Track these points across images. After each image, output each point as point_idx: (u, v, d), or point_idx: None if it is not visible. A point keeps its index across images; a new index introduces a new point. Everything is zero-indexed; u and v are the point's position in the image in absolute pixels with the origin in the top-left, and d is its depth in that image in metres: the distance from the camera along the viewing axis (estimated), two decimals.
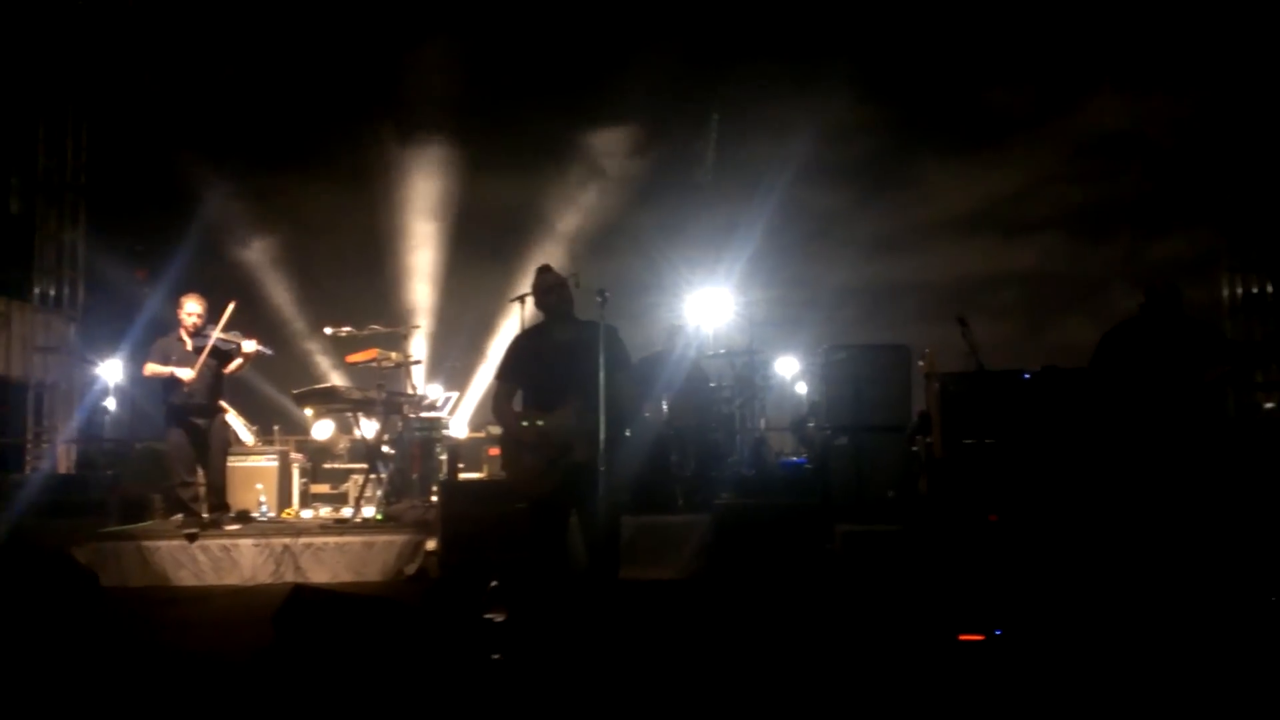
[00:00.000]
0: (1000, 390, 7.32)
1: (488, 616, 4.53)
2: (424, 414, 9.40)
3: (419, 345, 11.02)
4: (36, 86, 10.97)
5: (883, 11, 11.01)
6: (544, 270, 5.21)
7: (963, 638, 4.90)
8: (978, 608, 5.47)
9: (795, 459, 8.75)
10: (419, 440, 9.22)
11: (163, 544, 7.38)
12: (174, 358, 7.78)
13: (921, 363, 8.02)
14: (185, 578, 7.28)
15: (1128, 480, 6.16)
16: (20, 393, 10.92)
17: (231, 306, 7.84)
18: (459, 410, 10.51)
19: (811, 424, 8.72)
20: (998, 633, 4.91)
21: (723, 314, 9.60)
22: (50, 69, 10.97)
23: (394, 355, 9.11)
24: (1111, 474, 6.35)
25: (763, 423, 8.88)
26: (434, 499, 8.43)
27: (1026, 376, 7.35)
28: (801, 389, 9.30)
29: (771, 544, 6.92)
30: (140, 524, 8.27)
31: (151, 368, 7.78)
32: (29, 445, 10.90)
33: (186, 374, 7.61)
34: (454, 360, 11.18)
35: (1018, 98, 11.18)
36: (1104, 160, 11.29)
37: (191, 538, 7.40)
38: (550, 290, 5.10)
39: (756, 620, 5.90)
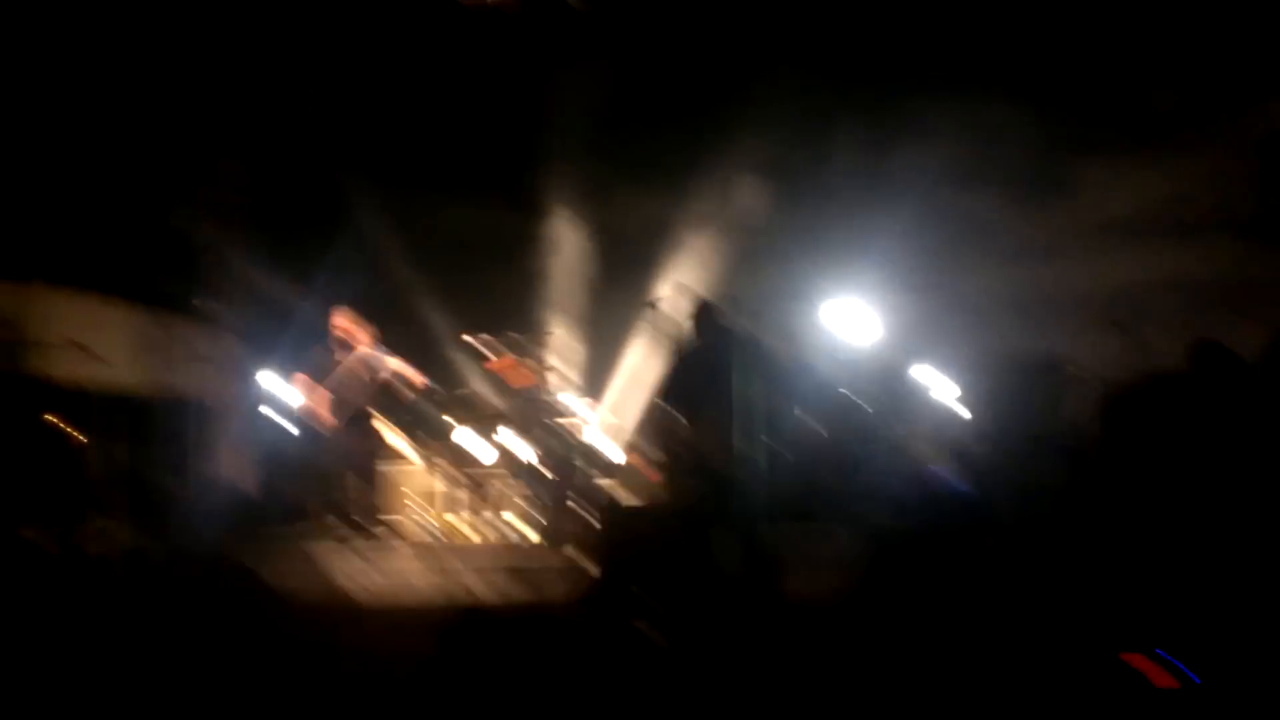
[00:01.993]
0: (1164, 400, 6.96)
1: (648, 636, 4.54)
2: (575, 430, 9.45)
3: (557, 354, 11.15)
4: (201, 109, 11.57)
5: (1035, 9, 10.61)
6: (697, 298, 5.25)
7: (1124, 657, 4.69)
8: (1141, 625, 5.22)
9: (946, 475, 8.50)
10: (569, 458, 9.29)
11: (320, 550, 7.66)
12: (326, 371, 8.08)
13: (1078, 374, 7.72)
14: (340, 584, 7.53)
15: None
16: (186, 404, 11.48)
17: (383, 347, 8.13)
18: (611, 431, 10.57)
19: (963, 438, 8.47)
20: (1159, 652, 4.67)
21: (862, 324, 9.40)
22: (214, 91, 11.56)
23: (535, 365, 9.24)
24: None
25: (911, 437, 8.66)
26: (589, 518, 8.48)
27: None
28: (950, 402, 9.02)
29: (924, 562, 6.72)
30: (298, 531, 8.61)
31: (300, 387, 8.11)
32: (195, 454, 11.44)
33: (329, 420, 7.92)
34: (593, 371, 11.32)
35: (1186, 95, 10.56)
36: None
37: (346, 544, 7.65)
38: (705, 315, 5.14)
39: (911, 640, 5.75)
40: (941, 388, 9.16)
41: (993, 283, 10.67)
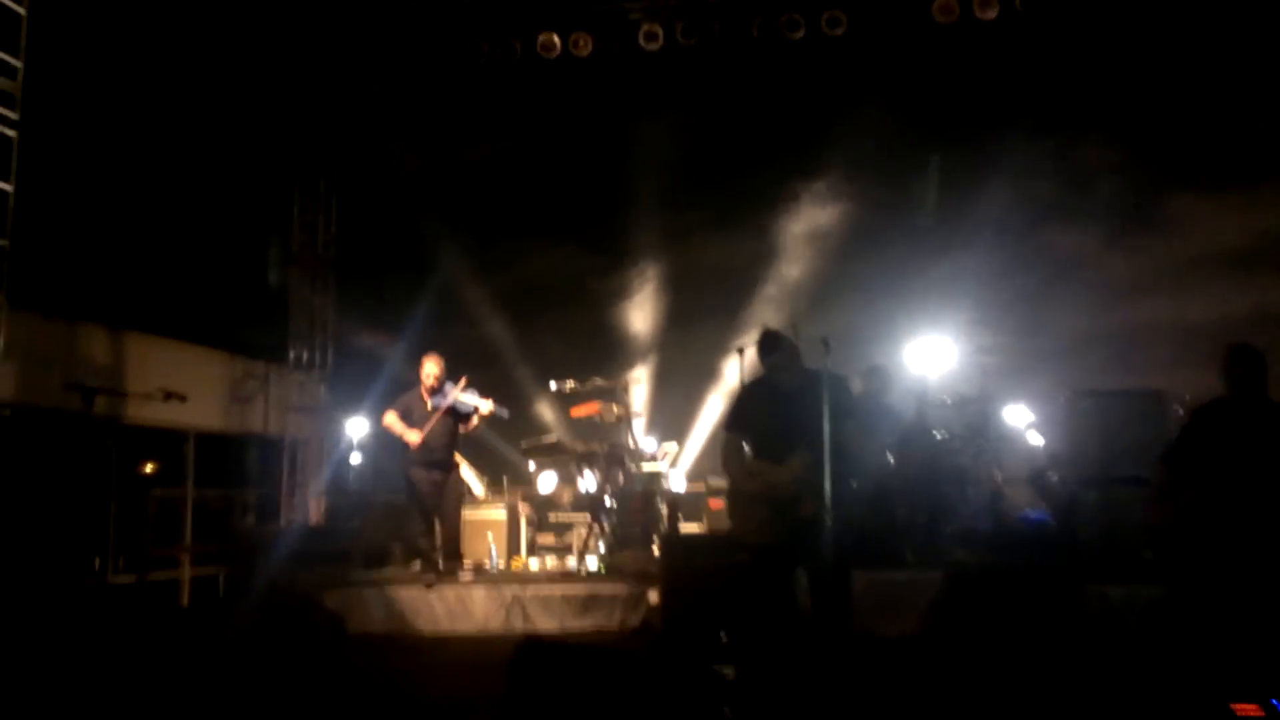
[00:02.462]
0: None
1: (717, 670, 4.43)
2: (644, 466, 9.48)
3: (639, 398, 11.15)
4: (293, 167, 12.02)
5: (1134, 48, 10.36)
6: (765, 330, 5.19)
7: (1236, 708, 4.38)
8: (1253, 674, 4.90)
9: (1035, 514, 8.20)
10: (640, 492, 9.28)
11: (402, 592, 7.73)
12: (414, 414, 8.20)
13: (1180, 410, 7.38)
14: (422, 625, 7.59)
15: None
16: (277, 449, 11.82)
17: (464, 380, 8.23)
18: (678, 462, 10.54)
19: (1053, 476, 8.16)
20: (1275, 704, 4.36)
21: (947, 362, 9.19)
22: (305, 150, 12.02)
23: (616, 409, 9.25)
24: None
25: (998, 474, 8.39)
26: (655, 551, 8.44)
27: None
28: (1036, 438, 8.71)
29: (1012, 604, 6.46)
30: (381, 572, 8.71)
31: (389, 419, 8.23)
32: (283, 498, 11.75)
33: (414, 437, 8.03)
34: (671, 413, 11.31)
35: None
36: None
37: (429, 586, 7.71)
38: (774, 348, 5.06)
39: (997, 684, 5.53)
40: (1032, 426, 8.87)
41: (1086, 319, 10.33)
